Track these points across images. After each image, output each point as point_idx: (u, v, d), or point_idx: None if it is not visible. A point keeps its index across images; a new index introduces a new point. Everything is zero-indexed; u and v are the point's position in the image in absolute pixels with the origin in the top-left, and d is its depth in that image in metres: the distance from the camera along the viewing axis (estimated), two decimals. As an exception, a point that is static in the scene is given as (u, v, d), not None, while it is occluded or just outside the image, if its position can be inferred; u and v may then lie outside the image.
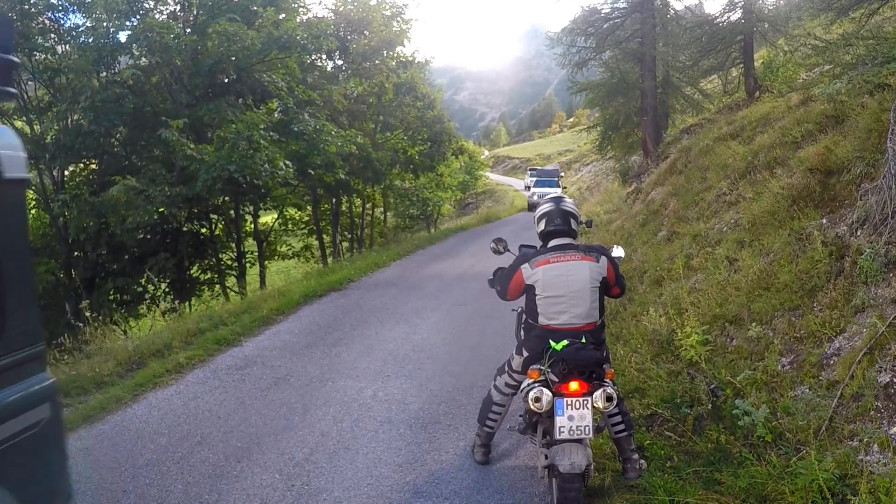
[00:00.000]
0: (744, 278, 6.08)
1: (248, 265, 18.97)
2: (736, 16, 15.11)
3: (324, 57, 20.78)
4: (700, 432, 4.54)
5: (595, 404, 3.57)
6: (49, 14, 13.66)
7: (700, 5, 28.28)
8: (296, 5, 16.83)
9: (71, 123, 13.52)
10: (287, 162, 14.08)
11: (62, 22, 14.17)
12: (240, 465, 4.66)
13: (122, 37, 13.76)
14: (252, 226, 20.04)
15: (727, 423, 4.44)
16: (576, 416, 3.55)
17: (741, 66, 15.97)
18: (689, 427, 4.60)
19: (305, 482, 4.42)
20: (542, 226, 4.26)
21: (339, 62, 22.75)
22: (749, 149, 9.40)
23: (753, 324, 5.31)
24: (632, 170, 21.23)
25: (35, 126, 13.69)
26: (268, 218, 23.00)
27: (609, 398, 3.58)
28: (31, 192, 14.64)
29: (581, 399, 3.57)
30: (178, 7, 15.39)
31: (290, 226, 23.62)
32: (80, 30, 13.88)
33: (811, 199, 6.23)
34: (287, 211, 22.56)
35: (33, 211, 15.41)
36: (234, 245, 18.42)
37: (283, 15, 15.51)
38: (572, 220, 4.19)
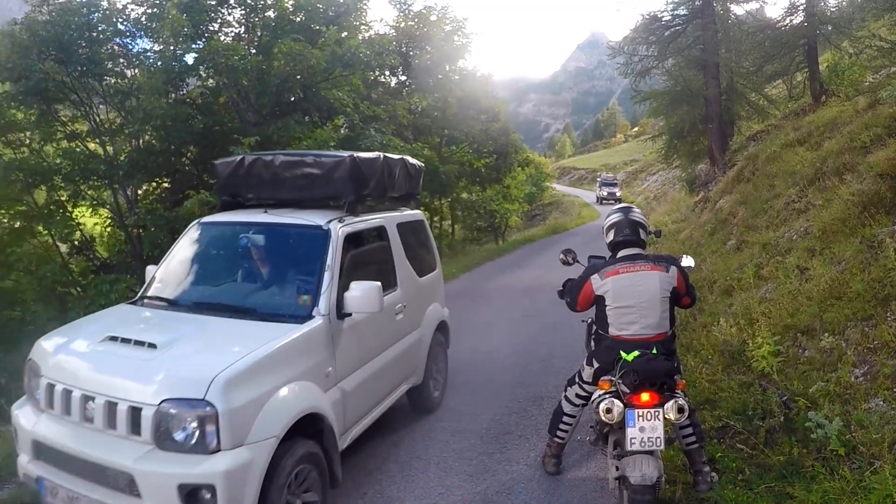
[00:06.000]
0: (815, 287, 5.98)
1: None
2: (798, 19, 14.83)
3: (387, 73, 21.03)
4: (772, 445, 4.49)
5: (666, 416, 3.58)
6: (117, 40, 13.90)
7: (761, 9, 27.65)
8: (357, 23, 17.03)
9: (143, 143, 13.93)
10: None
11: (130, 47, 14.55)
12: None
13: (189, 59, 14.15)
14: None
15: (800, 435, 4.39)
16: (647, 427, 3.56)
17: (806, 70, 15.62)
18: (760, 440, 4.56)
19: (378, 490, 4.51)
20: (610, 236, 4.27)
21: (403, 78, 22.99)
22: (817, 155, 9.23)
23: (826, 334, 5.22)
24: (699, 178, 20.85)
25: (108, 147, 14.12)
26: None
27: (680, 409, 3.59)
28: (107, 210, 15.12)
29: (652, 410, 3.58)
30: (243, 29, 15.79)
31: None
32: (148, 54, 14.36)
33: (882, 206, 6.11)
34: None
35: (108, 229, 15.93)
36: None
37: (346, 33, 15.65)
38: (641, 231, 4.20)
